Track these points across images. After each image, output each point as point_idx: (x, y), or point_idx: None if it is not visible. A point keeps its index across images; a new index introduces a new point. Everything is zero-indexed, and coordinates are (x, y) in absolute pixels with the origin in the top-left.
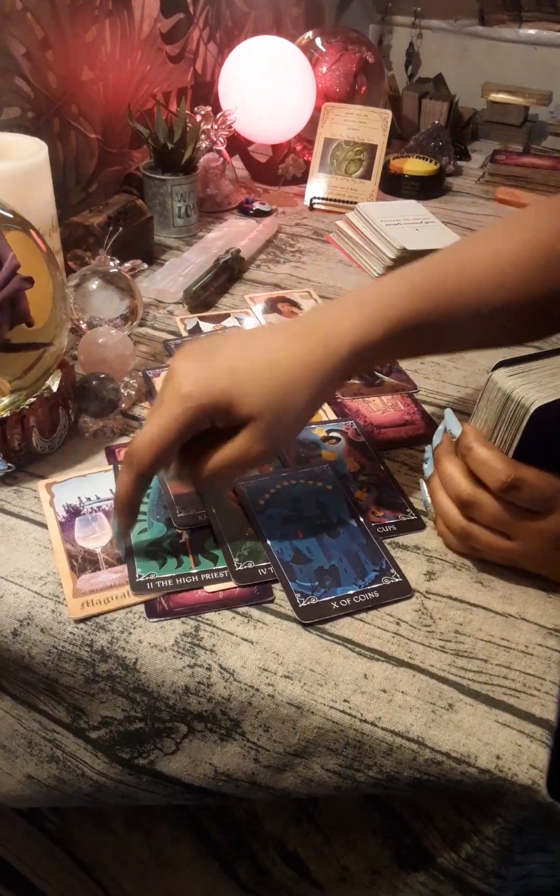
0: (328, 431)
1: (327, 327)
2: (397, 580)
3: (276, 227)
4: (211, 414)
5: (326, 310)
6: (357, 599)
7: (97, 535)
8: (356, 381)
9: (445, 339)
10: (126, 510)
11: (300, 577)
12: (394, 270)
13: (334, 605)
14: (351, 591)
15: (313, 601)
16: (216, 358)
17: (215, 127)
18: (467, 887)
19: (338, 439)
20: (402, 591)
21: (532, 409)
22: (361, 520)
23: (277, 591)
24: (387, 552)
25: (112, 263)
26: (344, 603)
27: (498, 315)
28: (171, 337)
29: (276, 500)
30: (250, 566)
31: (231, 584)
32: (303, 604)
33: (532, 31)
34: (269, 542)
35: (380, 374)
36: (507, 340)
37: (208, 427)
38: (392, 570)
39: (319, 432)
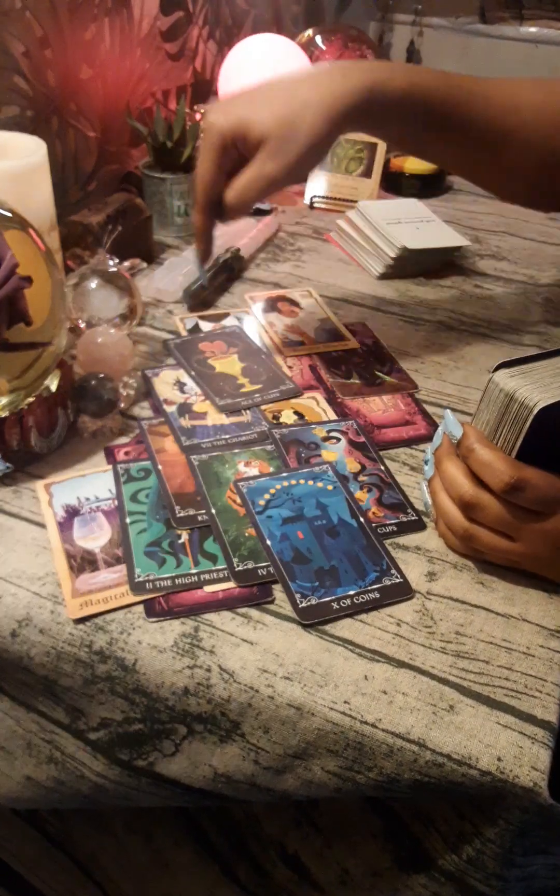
0: (328, 431)
1: (350, 65)
2: (398, 581)
3: (276, 226)
4: (231, 139)
5: (352, 61)
6: (357, 600)
7: (96, 535)
8: (357, 381)
9: (457, 130)
10: (202, 238)
11: (300, 578)
12: (393, 269)
13: (335, 605)
14: (351, 592)
15: (313, 601)
16: (241, 94)
17: None
18: (468, 889)
19: (338, 439)
20: (403, 591)
21: (536, 410)
22: (362, 520)
23: (277, 591)
24: (387, 553)
25: (111, 262)
26: (344, 603)
27: (507, 140)
28: (170, 336)
29: (276, 500)
30: (250, 566)
31: (231, 584)
32: (303, 604)
33: (533, 29)
34: (268, 543)
35: (380, 374)
36: (507, 185)
37: (237, 156)
38: (393, 571)
39: (320, 432)
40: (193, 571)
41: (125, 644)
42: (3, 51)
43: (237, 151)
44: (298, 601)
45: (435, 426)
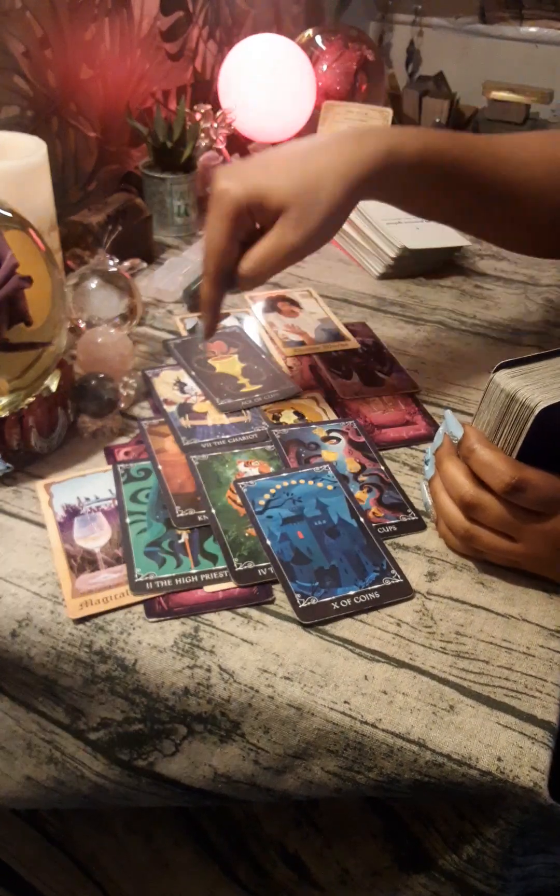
0: (329, 431)
1: (364, 133)
2: (398, 581)
3: None
4: (246, 208)
5: (363, 128)
6: (357, 600)
7: (96, 535)
8: (357, 381)
9: (469, 189)
10: (210, 311)
11: (300, 578)
12: (393, 269)
13: (335, 605)
14: (351, 592)
15: (313, 602)
16: (252, 161)
17: (215, 125)
18: (469, 889)
19: (338, 439)
20: (403, 591)
21: (537, 410)
22: (362, 520)
23: (277, 591)
24: (387, 553)
25: (111, 262)
26: (344, 603)
27: (518, 194)
28: (170, 336)
29: (276, 500)
30: (250, 566)
31: (231, 584)
32: (303, 604)
33: (533, 29)
34: (268, 543)
35: (380, 374)
36: (520, 238)
37: (251, 225)
38: (393, 571)
39: (320, 432)
40: (193, 571)
41: (125, 644)
42: (4, 51)
43: (251, 220)
44: (298, 601)
45: (435, 426)
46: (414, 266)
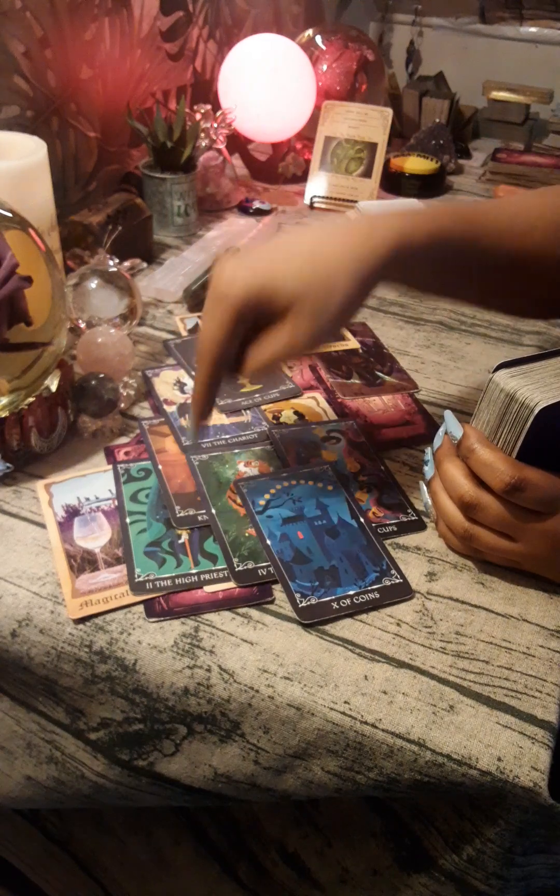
0: (328, 432)
1: (371, 222)
2: (398, 581)
3: (276, 226)
4: (252, 309)
5: (369, 216)
6: (357, 600)
7: (96, 535)
8: (357, 381)
9: (477, 265)
10: (201, 408)
11: (300, 578)
12: None
13: (334, 605)
14: (351, 592)
15: (313, 601)
16: (254, 255)
17: (215, 125)
18: (469, 888)
19: (338, 439)
20: (403, 592)
21: (537, 410)
22: (362, 520)
23: (277, 591)
24: (387, 553)
25: (111, 262)
26: (344, 603)
27: (529, 261)
28: (170, 336)
29: (276, 500)
30: (250, 566)
31: (231, 584)
32: (303, 604)
33: (533, 29)
34: (268, 542)
35: (380, 374)
36: (533, 301)
37: (252, 322)
38: (393, 571)
39: (320, 432)
40: (193, 571)
41: (125, 644)
42: (4, 51)
43: (253, 318)
44: (298, 601)
45: (435, 426)
46: None
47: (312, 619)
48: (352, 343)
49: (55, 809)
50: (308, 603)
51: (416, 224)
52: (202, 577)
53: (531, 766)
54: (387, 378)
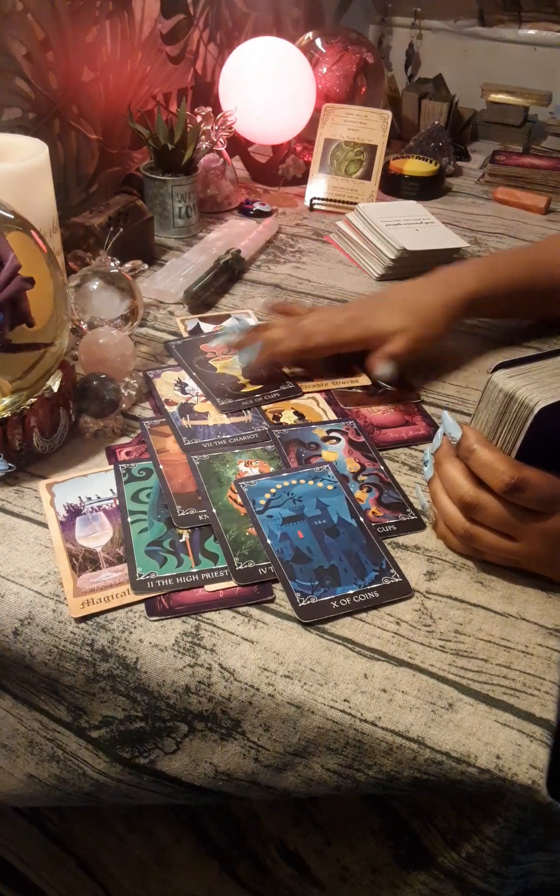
0: (328, 431)
1: (454, 274)
2: (397, 580)
3: (276, 228)
4: (370, 340)
5: (456, 269)
6: (357, 599)
7: (98, 535)
8: (358, 391)
9: (537, 300)
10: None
11: (300, 577)
12: (393, 270)
13: (334, 604)
14: (351, 591)
15: (313, 601)
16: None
17: (215, 128)
18: (468, 886)
19: (338, 439)
20: (402, 591)
21: (536, 410)
22: (362, 520)
23: (278, 590)
24: (387, 552)
25: (112, 264)
26: (344, 602)
27: None
28: (171, 337)
29: (276, 499)
30: (250, 566)
31: (231, 583)
32: (303, 603)
33: (532, 32)
34: (269, 542)
35: (384, 385)
36: None
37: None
38: (392, 571)
39: (320, 432)
40: (194, 570)
41: (127, 643)
42: (5, 53)
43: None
44: (298, 600)
45: (434, 426)
46: (413, 267)
47: (312, 619)
48: (362, 380)
49: (56, 808)
50: (308, 602)
51: (493, 273)
52: (203, 576)
53: (529, 764)
54: (388, 388)
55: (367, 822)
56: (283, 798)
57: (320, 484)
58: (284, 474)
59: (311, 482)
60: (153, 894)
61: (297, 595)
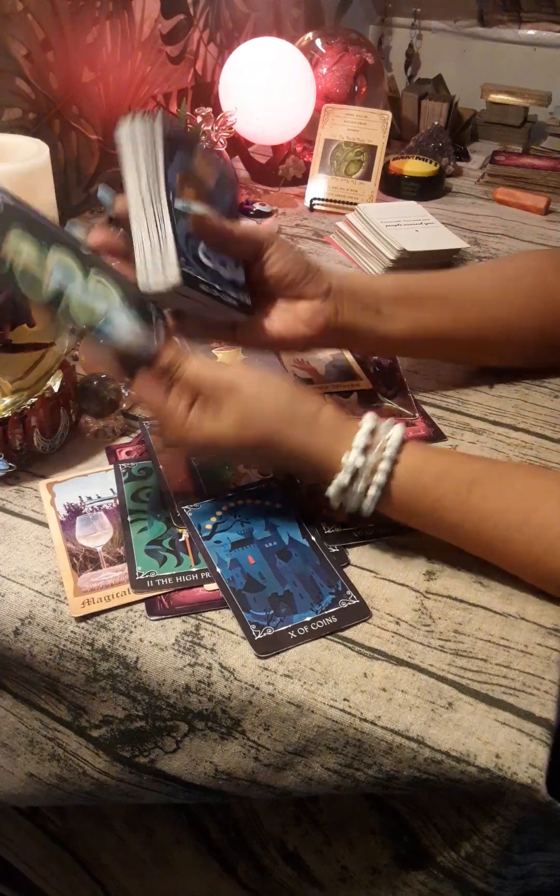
0: None
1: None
2: (355, 602)
3: (276, 228)
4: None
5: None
6: (314, 626)
7: (98, 534)
8: (354, 399)
9: (449, 341)
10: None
11: (254, 607)
12: (393, 270)
13: (291, 634)
14: (308, 618)
15: (269, 632)
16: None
17: (215, 128)
18: (467, 886)
19: None
20: (361, 613)
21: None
22: (313, 539)
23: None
24: (341, 572)
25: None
26: (302, 631)
27: (500, 325)
28: None
29: (223, 523)
30: None
31: None
32: (259, 636)
33: (531, 32)
34: (219, 571)
35: (383, 398)
36: (510, 356)
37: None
38: (348, 592)
39: None
40: (194, 570)
41: (127, 642)
42: (6, 53)
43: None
44: (254, 633)
45: (435, 426)
46: (413, 268)
47: (268, 653)
48: (363, 383)
49: (56, 808)
50: (264, 634)
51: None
52: (203, 575)
53: (529, 763)
54: (386, 402)
55: (367, 821)
56: (282, 797)
57: (268, 502)
58: (229, 495)
59: (256, 501)
60: (153, 894)
61: (252, 627)
